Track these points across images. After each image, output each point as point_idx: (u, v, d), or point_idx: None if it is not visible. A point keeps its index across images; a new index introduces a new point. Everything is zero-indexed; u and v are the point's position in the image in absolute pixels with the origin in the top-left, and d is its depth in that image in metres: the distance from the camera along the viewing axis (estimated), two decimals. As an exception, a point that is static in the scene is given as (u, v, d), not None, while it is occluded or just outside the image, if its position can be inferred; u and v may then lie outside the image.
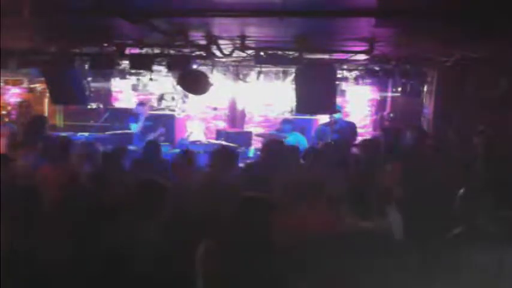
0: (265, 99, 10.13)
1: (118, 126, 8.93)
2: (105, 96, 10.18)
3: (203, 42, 5.40)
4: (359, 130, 8.55)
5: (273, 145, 5.56)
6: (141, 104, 8.74)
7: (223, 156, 4.79)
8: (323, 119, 9.45)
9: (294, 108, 6.96)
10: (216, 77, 7.99)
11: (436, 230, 2.97)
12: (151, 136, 8.01)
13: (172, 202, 3.28)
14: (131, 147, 7.32)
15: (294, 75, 6.75)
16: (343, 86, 8.44)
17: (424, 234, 3.04)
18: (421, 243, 2.83)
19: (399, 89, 8.69)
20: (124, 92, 10.52)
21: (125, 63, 6.82)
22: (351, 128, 8.04)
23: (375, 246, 2.48)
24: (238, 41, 5.37)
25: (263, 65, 6.80)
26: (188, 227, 3.27)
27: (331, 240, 2.62)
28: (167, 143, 8.38)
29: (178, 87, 7.25)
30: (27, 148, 5.27)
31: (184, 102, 10.05)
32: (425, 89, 7.89)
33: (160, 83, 9.12)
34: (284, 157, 5.11)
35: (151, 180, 3.35)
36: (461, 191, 2.92)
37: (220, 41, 5.38)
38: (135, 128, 8.35)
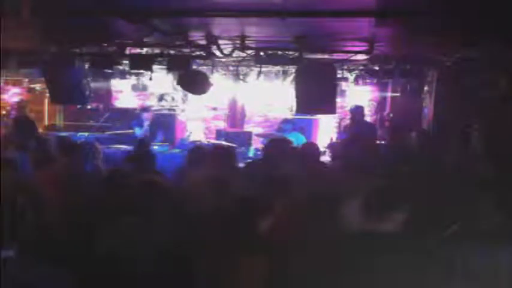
0: (265, 99, 10.13)
1: (118, 126, 8.94)
2: (105, 96, 10.17)
3: (203, 42, 5.40)
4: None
5: (278, 144, 5.54)
6: (145, 109, 8.78)
7: (222, 155, 4.80)
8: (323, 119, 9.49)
9: (294, 108, 6.98)
10: (216, 77, 7.99)
11: (435, 229, 2.97)
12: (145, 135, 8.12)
13: (172, 202, 3.29)
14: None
15: (294, 75, 6.75)
16: (343, 86, 8.43)
17: (423, 234, 3.03)
18: (418, 242, 2.83)
19: (399, 89, 8.71)
20: (124, 92, 10.52)
21: (125, 63, 6.82)
22: (370, 128, 8.07)
23: (380, 247, 2.48)
24: (238, 41, 5.37)
25: (263, 65, 6.80)
26: (188, 227, 3.27)
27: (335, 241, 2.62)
28: (167, 143, 8.39)
29: (178, 87, 7.26)
30: (19, 148, 5.25)
31: (184, 102, 10.06)
32: (425, 89, 7.89)
33: (160, 83, 9.12)
34: (288, 156, 5.10)
35: (151, 179, 3.35)
36: (458, 189, 2.92)
37: (220, 41, 5.38)
38: (138, 132, 8.38)
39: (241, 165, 5.61)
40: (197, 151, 5.14)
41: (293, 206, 3.33)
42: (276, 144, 5.46)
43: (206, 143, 8.30)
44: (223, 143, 7.98)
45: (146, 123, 8.45)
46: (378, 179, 3.17)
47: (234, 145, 7.40)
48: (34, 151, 5.27)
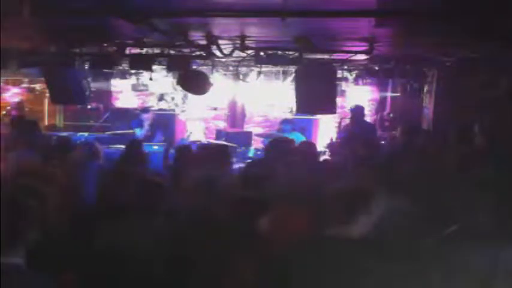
0: (265, 99, 10.14)
1: (118, 126, 8.94)
2: (105, 96, 10.18)
3: (203, 42, 5.40)
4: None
5: (279, 144, 5.54)
6: (146, 111, 8.79)
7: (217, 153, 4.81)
8: (323, 119, 9.49)
9: (294, 108, 6.98)
10: (216, 77, 8.00)
11: (433, 229, 2.97)
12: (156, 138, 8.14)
13: (170, 201, 3.29)
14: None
15: (294, 75, 6.75)
16: (343, 86, 8.44)
17: (421, 233, 3.04)
18: (416, 242, 2.83)
19: (399, 89, 8.72)
20: (124, 92, 10.53)
21: (125, 63, 6.82)
22: (370, 127, 8.08)
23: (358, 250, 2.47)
24: (238, 41, 5.37)
25: (263, 65, 6.81)
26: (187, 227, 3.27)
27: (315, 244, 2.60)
28: (167, 143, 8.39)
29: (178, 87, 7.27)
30: (20, 148, 5.24)
31: (184, 102, 10.06)
32: (425, 89, 7.90)
33: (160, 83, 9.13)
34: (291, 157, 5.10)
35: (149, 179, 3.35)
36: (459, 190, 2.92)
37: (220, 41, 5.38)
38: (139, 132, 8.38)
39: (241, 165, 5.61)
40: (184, 150, 5.15)
41: (291, 205, 3.33)
42: (277, 144, 5.47)
43: (206, 142, 8.31)
44: (220, 142, 7.98)
45: (147, 123, 8.44)
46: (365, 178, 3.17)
47: (229, 144, 7.40)
48: (36, 150, 5.28)
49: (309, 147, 5.65)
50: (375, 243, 2.52)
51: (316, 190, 3.37)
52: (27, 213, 2.42)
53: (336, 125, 9.63)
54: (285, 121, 8.44)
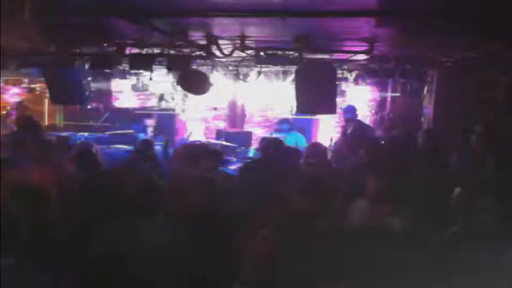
0: (265, 99, 10.13)
1: (118, 126, 8.93)
2: (105, 96, 10.17)
3: (203, 42, 5.40)
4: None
5: (272, 145, 5.56)
6: (149, 117, 8.76)
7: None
8: (323, 119, 9.49)
9: (294, 108, 6.97)
10: (216, 77, 7.99)
11: (434, 229, 2.97)
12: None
13: (169, 200, 3.29)
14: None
15: (294, 75, 6.75)
16: (343, 86, 8.43)
17: (422, 233, 3.04)
18: (419, 242, 2.83)
19: (399, 89, 8.71)
20: (124, 92, 10.51)
21: (125, 63, 6.82)
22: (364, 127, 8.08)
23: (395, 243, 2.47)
24: (238, 41, 5.37)
25: (263, 65, 6.80)
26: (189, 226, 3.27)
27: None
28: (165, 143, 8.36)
29: (178, 87, 7.26)
30: (20, 149, 5.24)
31: (184, 102, 10.05)
32: (425, 89, 7.89)
33: (160, 83, 9.12)
34: (283, 156, 5.11)
35: (148, 179, 3.35)
36: (459, 189, 2.93)
37: (220, 41, 5.39)
38: (142, 137, 8.35)
39: (240, 165, 5.62)
40: (183, 149, 5.15)
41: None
42: (269, 145, 5.50)
43: (189, 142, 8.28)
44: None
45: (150, 130, 8.38)
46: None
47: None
48: (35, 151, 5.26)
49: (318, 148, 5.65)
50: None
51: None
52: (26, 214, 2.43)
53: (337, 125, 9.64)
54: (282, 121, 8.42)
